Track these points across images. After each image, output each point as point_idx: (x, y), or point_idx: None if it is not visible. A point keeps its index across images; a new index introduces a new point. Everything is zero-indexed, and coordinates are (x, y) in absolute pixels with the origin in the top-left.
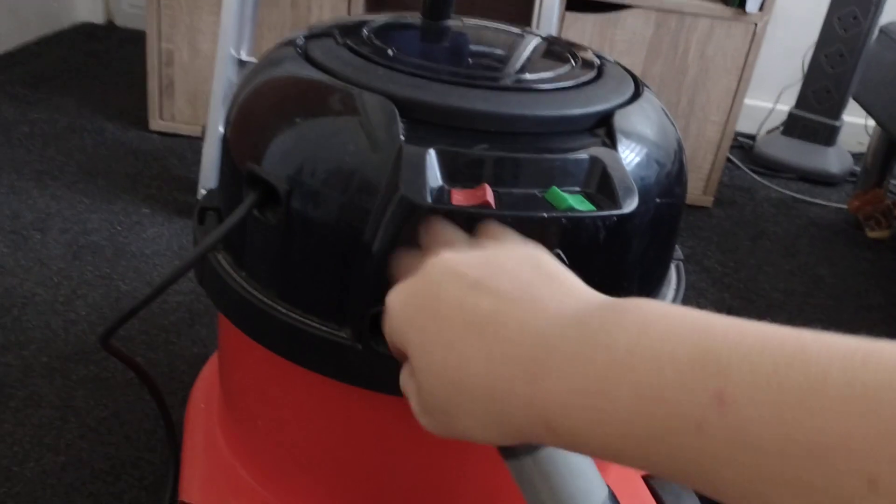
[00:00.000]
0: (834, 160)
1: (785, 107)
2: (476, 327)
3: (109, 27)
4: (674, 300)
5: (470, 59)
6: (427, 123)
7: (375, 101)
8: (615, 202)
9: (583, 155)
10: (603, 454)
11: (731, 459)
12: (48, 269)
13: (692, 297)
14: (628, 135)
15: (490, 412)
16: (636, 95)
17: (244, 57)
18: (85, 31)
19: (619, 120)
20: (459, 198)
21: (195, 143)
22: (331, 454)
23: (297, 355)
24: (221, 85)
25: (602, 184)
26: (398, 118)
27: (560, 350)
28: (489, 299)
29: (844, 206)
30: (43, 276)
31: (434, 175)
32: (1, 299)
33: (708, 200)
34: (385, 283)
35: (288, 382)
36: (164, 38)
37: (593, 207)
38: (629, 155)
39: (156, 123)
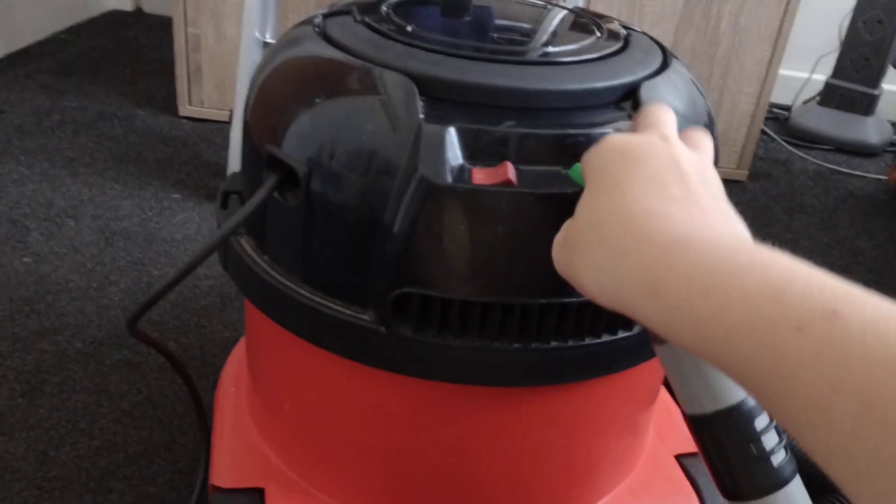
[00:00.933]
0: (873, 130)
1: (821, 76)
2: (658, 193)
3: (138, 13)
4: None
5: (491, 34)
6: (447, 101)
7: (394, 79)
8: None
9: (608, 130)
10: (689, 334)
11: (821, 364)
12: (81, 255)
13: None
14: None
15: (613, 256)
16: (664, 66)
17: (269, 39)
18: (114, 19)
19: (646, 92)
20: (480, 176)
21: (224, 127)
22: (356, 436)
23: (321, 338)
24: (247, 69)
25: None
26: (417, 96)
27: (711, 241)
28: (683, 190)
29: (884, 177)
30: (76, 263)
31: (454, 153)
32: (36, 286)
33: (742, 174)
34: (407, 264)
35: (312, 365)
36: (190, 24)
37: None
38: None
39: (185, 109)
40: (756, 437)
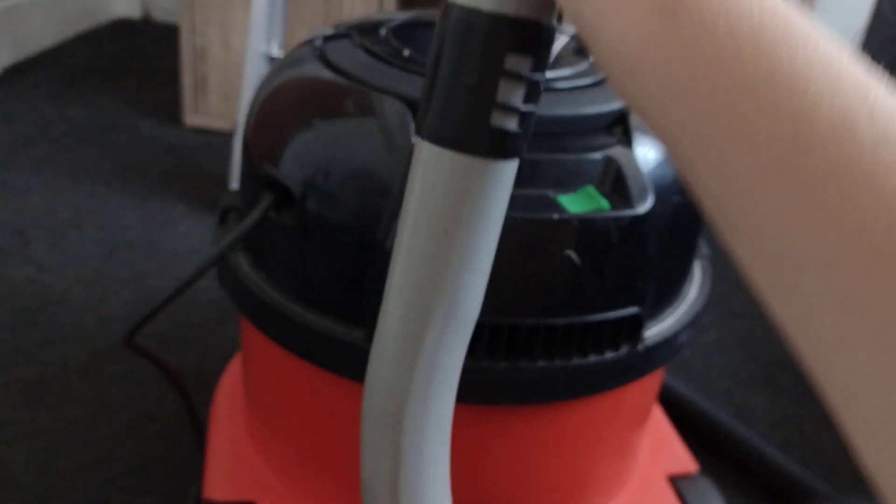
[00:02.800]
0: None
1: None
2: None
3: (146, 22)
4: (697, 299)
5: None
6: None
7: (388, 104)
8: (629, 202)
9: (597, 155)
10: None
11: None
12: (84, 266)
13: (729, 290)
14: (646, 132)
15: None
16: None
17: (275, 52)
18: (122, 27)
19: (636, 117)
20: None
21: (229, 138)
22: (349, 452)
23: (314, 355)
24: (251, 81)
25: (616, 184)
26: (411, 120)
27: None
28: None
29: None
30: (79, 274)
31: None
32: (39, 297)
33: None
34: None
35: (306, 382)
36: (197, 34)
37: (607, 208)
38: (646, 153)
39: (190, 119)
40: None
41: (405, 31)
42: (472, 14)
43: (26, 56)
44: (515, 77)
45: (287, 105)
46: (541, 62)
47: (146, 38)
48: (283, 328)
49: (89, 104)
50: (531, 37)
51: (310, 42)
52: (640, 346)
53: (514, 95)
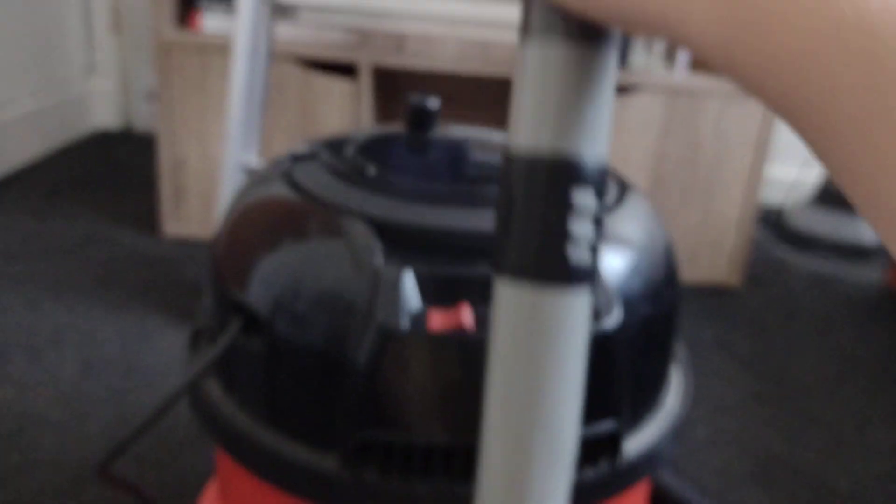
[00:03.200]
0: (868, 230)
1: (811, 174)
2: None
3: (126, 132)
4: (676, 406)
5: (452, 174)
6: (407, 245)
7: (353, 225)
8: (596, 317)
9: None
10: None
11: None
12: (62, 385)
13: (717, 385)
14: (611, 244)
15: None
16: (620, 200)
17: (252, 163)
18: (102, 139)
19: (604, 226)
20: (437, 319)
21: (206, 247)
22: None
23: (286, 483)
24: (228, 190)
25: None
26: (376, 241)
27: None
28: None
29: (881, 280)
30: (57, 394)
31: (413, 297)
32: (17, 420)
33: (734, 280)
34: (368, 408)
35: None
36: (175, 144)
37: None
38: (613, 265)
39: (169, 228)
40: (568, 206)
41: (370, 149)
42: (534, 159)
43: (9, 170)
44: (581, 208)
45: (253, 227)
46: (601, 190)
47: (125, 150)
48: (255, 454)
49: (70, 217)
50: (588, 171)
51: (279, 162)
52: (619, 460)
53: (583, 224)
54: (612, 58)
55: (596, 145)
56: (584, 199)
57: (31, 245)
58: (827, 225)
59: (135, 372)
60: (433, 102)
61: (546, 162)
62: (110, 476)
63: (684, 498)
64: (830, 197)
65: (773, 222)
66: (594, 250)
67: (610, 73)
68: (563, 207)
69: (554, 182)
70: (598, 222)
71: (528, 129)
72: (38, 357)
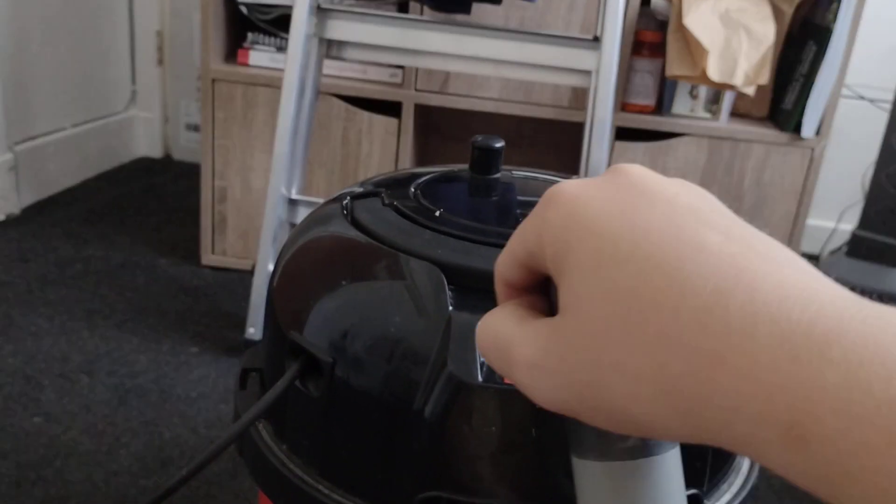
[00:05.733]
0: None
1: (848, 226)
2: (700, 252)
3: (167, 161)
4: (750, 468)
5: (518, 216)
6: (478, 290)
7: (422, 269)
8: None
9: None
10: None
11: None
12: (93, 415)
13: None
14: None
15: (675, 380)
16: None
17: (294, 195)
18: (143, 166)
19: None
20: None
21: (246, 277)
22: None
23: None
24: (271, 223)
25: None
26: (446, 286)
27: (834, 322)
28: (719, 236)
29: None
30: (88, 424)
31: None
32: (45, 450)
33: None
34: (435, 464)
35: None
36: (217, 176)
37: None
38: None
39: (207, 258)
40: None
41: (434, 188)
42: None
43: (49, 194)
44: None
45: (314, 266)
46: None
47: (167, 177)
48: None
49: (108, 244)
50: None
51: (338, 200)
52: None
53: None
54: (663, 463)
55: None
56: None
57: (67, 271)
58: (860, 275)
59: (168, 402)
60: (498, 143)
61: None
62: None
63: None
64: (864, 247)
65: None
66: None
67: (669, 476)
68: None
69: None
70: None
71: None
72: (70, 385)
